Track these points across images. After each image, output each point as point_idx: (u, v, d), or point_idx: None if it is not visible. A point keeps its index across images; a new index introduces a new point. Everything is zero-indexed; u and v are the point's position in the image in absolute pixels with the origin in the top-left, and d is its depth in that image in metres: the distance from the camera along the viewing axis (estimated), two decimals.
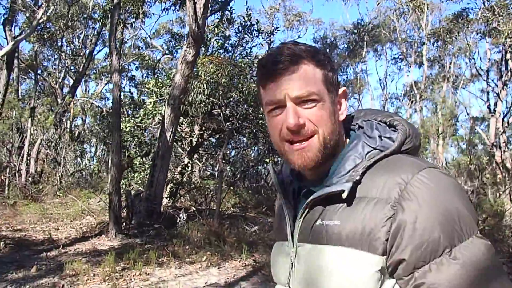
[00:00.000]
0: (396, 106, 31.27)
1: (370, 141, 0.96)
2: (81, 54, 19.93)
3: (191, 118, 9.20)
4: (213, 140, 10.73)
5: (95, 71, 25.85)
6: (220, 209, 8.82)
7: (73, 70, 20.71)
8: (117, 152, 7.88)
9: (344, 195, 0.88)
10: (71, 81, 20.68)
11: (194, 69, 9.27)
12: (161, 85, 9.70)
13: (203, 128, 9.39)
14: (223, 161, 9.14)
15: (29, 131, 12.41)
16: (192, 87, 8.37)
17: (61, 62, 20.81)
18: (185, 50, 9.21)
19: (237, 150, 11.42)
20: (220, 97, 8.50)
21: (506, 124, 16.92)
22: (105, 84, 25.81)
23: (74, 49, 19.98)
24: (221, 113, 8.49)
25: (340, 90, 1.00)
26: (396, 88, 62.73)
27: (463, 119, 26.23)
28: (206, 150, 10.92)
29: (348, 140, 1.01)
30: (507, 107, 17.87)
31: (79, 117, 24.40)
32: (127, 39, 24.72)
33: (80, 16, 18.16)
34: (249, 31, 11.87)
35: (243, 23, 11.77)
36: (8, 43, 13.66)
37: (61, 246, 7.37)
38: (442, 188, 0.85)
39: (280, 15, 28.49)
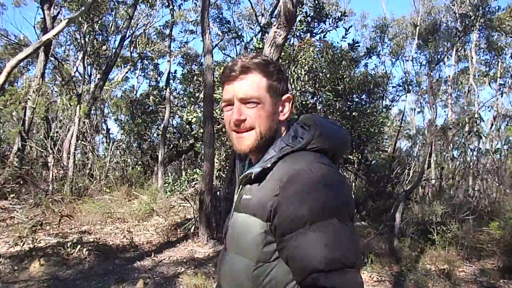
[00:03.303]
0: None
1: (287, 139, 1.21)
2: (108, 39, 18.70)
3: None
4: None
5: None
6: None
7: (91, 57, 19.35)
8: (210, 145, 6.81)
9: (253, 176, 1.18)
10: (88, 69, 19.36)
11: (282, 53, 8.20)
12: None
13: None
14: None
15: (77, 121, 11.20)
16: (290, 72, 7.33)
17: (82, 47, 19.46)
18: (274, 32, 8.09)
19: None
20: (318, 86, 7.47)
21: None
22: (126, 72, 24.53)
23: (100, 34, 18.67)
24: (319, 105, 7.44)
25: (285, 97, 1.28)
26: None
27: None
28: None
29: None
30: None
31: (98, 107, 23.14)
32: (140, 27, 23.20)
33: None
34: (319, 15, 10.80)
35: (315, 6, 10.69)
36: (47, 23, 12.45)
37: (152, 254, 6.32)
38: (319, 179, 1.09)
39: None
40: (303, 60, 7.26)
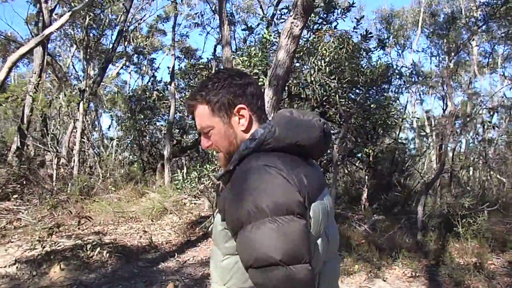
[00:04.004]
0: None
1: (246, 142, 1.27)
2: (103, 34, 18.16)
3: (300, 102, 7.91)
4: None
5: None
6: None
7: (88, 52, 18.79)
8: None
9: (216, 180, 1.34)
10: (85, 64, 18.81)
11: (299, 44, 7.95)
12: (251, 64, 8.31)
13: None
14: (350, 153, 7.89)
15: (81, 118, 10.79)
16: (310, 64, 7.08)
17: (77, 42, 18.91)
18: (291, 23, 7.81)
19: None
20: (338, 78, 7.22)
21: None
22: (121, 68, 24.04)
23: (95, 29, 18.15)
24: (338, 98, 7.18)
25: (235, 109, 1.31)
26: None
27: None
28: None
29: None
30: None
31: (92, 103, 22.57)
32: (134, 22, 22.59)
33: None
34: (328, 6, 10.55)
35: None
36: (44, 17, 11.99)
37: (175, 254, 6.07)
38: (257, 181, 1.14)
39: None
40: (324, 51, 7.02)
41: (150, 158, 16.48)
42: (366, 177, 9.80)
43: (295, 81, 8.05)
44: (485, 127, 10.06)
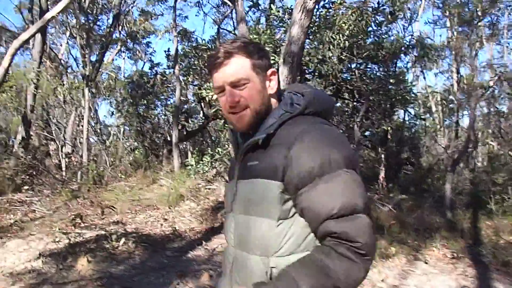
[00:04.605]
0: None
1: (285, 107, 1.31)
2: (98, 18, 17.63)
3: (319, 79, 7.62)
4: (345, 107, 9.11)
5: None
6: None
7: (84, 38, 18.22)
8: None
9: (260, 142, 1.24)
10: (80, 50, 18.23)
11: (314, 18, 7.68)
12: (260, 42, 8.00)
13: (333, 90, 7.80)
14: (361, 132, 7.67)
15: (87, 105, 10.45)
16: (325, 39, 6.80)
17: (72, 28, 18.35)
18: None
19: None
20: (356, 53, 6.95)
21: None
22: (116, 53, 23.47)
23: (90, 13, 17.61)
24: (357, 73, 6.92)
25: (269, 72, 1.33)
26: None
27: None
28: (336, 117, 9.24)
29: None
30: None
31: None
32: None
33: None
34: None
35: None
36: (41, 1, 11.54)
37: (202, 242, 5.89)
38: (321, 135, 1.19)
39: None
40: (343, 25, 6.73)
41: (152, 144, 16.21)
42: (382, 155, 9.61)
43: (308, 57, 7.77)
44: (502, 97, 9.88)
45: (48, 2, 12.34)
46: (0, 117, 14.45)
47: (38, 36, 11.51)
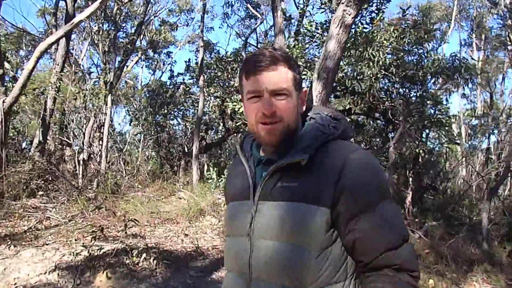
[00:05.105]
0: None
1: (322, 128, 1.25)
2: (122, 26, 17.64)
3: (352, 97, 7.30)
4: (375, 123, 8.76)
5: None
6: None
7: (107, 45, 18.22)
8: None
9: (303, 163, 1.16)
10: (102, 57, 18.19)
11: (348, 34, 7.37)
12: (292, 56, 7.75)
13: (364, 108, 7.49)
14: (396, 153, 7.30)
15: (108, 111, 10.26)
16: (365, 55, 6.50)
17: (94, 34, 18.33)
18: (343, 10, 7.19)
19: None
20: (395, 72, 6.63)
21: None
22: (136, 61, 23.47)
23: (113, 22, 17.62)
24: (397, 94, 6.59)
25: (303, 90, 1.30)
26: None
27: None
28: (366, 136, 8.91)
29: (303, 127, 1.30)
30: None
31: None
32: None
33: None
34: None
35: None
36: (67, 6, 11.49)
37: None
38: (370, 163, 1.18)
39: None
40: (384, 41, 6.43)
41: (168, 154, 15.95)
42: (411, 179, 9.20)
43: (341, 74, 7.48)
44: None
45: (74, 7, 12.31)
46: (17, 119, 14.32)
47: (62, 41, 11.41)
